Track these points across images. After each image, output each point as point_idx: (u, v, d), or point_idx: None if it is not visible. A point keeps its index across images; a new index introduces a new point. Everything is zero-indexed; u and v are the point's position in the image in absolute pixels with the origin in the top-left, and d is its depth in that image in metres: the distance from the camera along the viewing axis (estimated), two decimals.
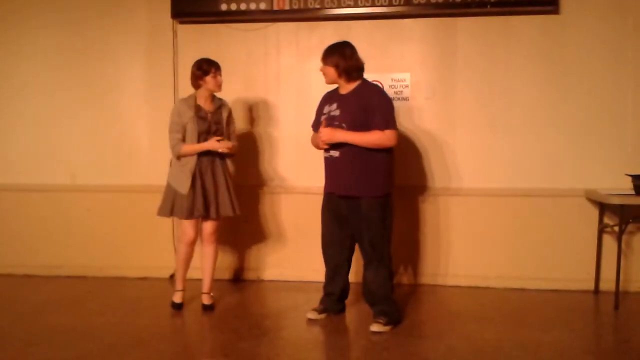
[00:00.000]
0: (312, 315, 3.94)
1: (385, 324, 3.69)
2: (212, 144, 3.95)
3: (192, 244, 4.12)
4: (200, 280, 4.17)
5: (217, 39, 4.86)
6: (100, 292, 4.63)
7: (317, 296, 4.04)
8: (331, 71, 3.75)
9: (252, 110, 4.90)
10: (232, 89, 4.84)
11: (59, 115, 5.05)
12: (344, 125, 3.68)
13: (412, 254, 4.77)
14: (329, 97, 3.88)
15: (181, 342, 3.69)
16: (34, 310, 4.14)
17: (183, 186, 3.95)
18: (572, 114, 4.56)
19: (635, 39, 4.48)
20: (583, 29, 4.52)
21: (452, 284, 4.69)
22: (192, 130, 3.97)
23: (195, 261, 4.17)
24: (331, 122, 3.73)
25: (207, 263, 4.17)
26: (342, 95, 3.78)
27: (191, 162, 3.96)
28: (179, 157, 3.99)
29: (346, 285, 4.00)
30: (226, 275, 4.94)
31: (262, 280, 4.92)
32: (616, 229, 4.24)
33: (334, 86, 3.86)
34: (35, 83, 5.06)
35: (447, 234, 4.72)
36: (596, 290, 4.52)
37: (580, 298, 4.42)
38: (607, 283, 4.36)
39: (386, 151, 3.71)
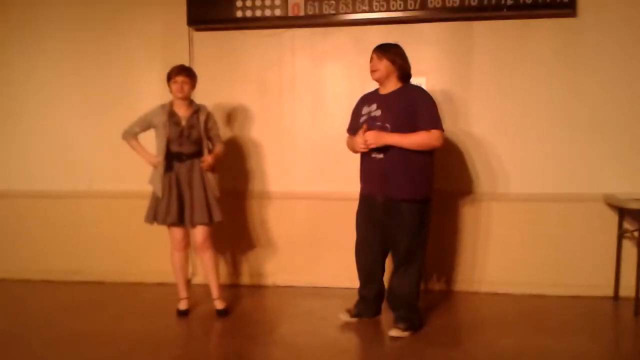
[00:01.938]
0: (344, 316, 3.90)
1: (404, 330, 3.66)
2: (150, 159, 4.07)
3: (183, 249, 4.15)
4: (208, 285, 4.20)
5: (232, 45, 4.87)
6: (117, 297, 4.66)
7: (331, 302, 4.05)
8: (387, 66, 3.65)
9: (266, 116, 4.90)
10: (247, 95, 4.87)
11: (76, 122, 5.09)
12: (387, 125, 3.58)
13: (432, 260, 4.73)
14: (368, 98, 3.81)
15: (196, 347, 3.69)
16: (52, 315, 4.18)
17: (158, 189, 3.99)
18: (589, 118, 4.50)
19: None
20: (600, 31, 4.46)
21: (471, 291, 4.65)
22: (162, 135, 3.99)
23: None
24: (372, 122, 3.64)
25: (207, 271, 4.17)
26: (383, 95, 3.71)
27: (161, 167, 3.99)
28: (125, 139, 4.14)
29: (381, 288, 3.93)
30: (239, 280, 4.95)
31: (276, 286, 4.90)
32: (636, 234, 4.18)
33: (374, 87, 3.81)
34: (51, 90, 5.10)
35: (464, 241, 4.67)
36: (616, 297, 4.45)
37: (600, 304, 4.36)
38: (627, 289, 4.30)
39: (428, 153, 3.64)
